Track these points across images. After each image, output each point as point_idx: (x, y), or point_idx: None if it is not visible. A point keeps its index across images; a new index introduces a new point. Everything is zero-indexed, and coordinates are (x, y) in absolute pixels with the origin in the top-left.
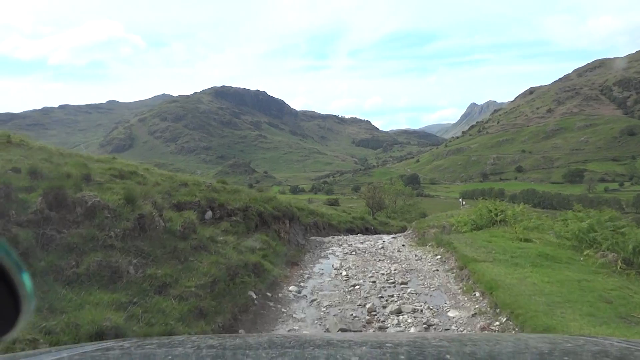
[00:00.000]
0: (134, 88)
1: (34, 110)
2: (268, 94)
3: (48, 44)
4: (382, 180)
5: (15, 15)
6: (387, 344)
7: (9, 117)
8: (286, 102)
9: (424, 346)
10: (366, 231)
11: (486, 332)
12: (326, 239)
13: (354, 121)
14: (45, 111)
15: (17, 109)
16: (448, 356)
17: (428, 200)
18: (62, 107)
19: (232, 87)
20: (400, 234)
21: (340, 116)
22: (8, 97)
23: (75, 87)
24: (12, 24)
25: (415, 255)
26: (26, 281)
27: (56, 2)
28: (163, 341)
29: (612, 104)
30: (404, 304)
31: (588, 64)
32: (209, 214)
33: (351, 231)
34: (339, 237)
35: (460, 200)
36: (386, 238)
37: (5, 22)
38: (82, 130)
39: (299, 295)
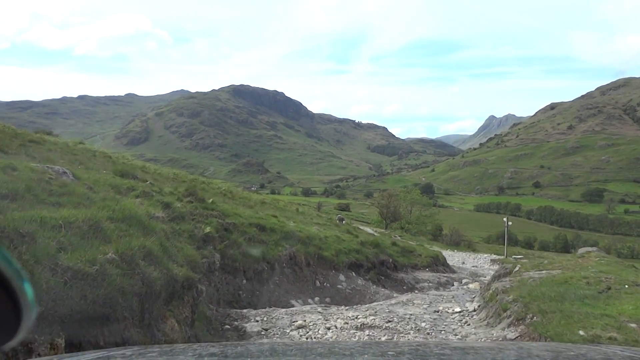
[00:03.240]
0: (153, 82)
1: (54, 100)
2: (286, 95)
3: (76, 34)
4: (396, 187)
5: (46, 3)
6: (389, 352)
7: (28, 105)
8: (303, 104)
9: (426, 354)
10: (381, 266)
11: (490, 340)
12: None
13: (371, 127)
14: (64, 101)
15: (37, 97)
16: None
17: (442, 211)
18: (81, 97)
19: (250, 86)
20: (450, 301)
21: (356, 121)
22: (29, 85)
23: (97, 79)
24: (42, 13)
25: None
26: (27, 290)
27: None
28: (165, 349)
29: (636, 125)
30: None
31: (612, 82)
32: None
33: (357, 267)
34: (316, 310)
35: (505, 220)
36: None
37: (36, 10)
38: (99, 122)
39: None
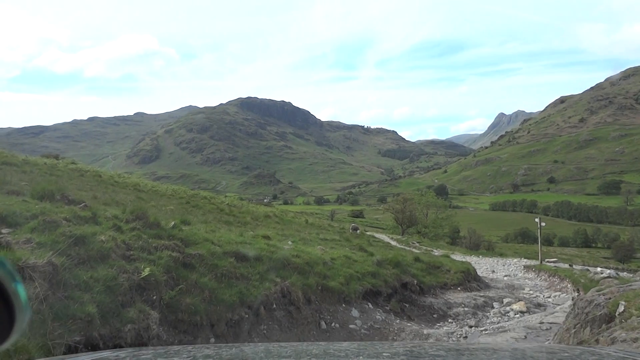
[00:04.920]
0: (162, 100)
1: (65, 123)
2: (293, 104)
3: (85, 58)
4: (409, 191)
5: (54, 28)
6: (384, 354)
7: (40, 130)
8: (311, 113)
9: (420, 355)
10: (404, 291)
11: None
12: None
13: (380, 131)
14: (75, 123)
15: (48, 122)
16: None
17: (457, 212)
18: (90, 119)
19: (257, 98)
20: None
21: (365, 126)
22: (41, 110)
23: (106, 100)
24: (51, 37)
25: None
26: (20, 291)
27: (96, 15)
28: (159, 351)
29: None
30: None
31: (621, 72)
32: None
33: (374, 296)
34: None
35: (537, 220)
36: None
37: (44, 35)
38: (110, 142)
39: None
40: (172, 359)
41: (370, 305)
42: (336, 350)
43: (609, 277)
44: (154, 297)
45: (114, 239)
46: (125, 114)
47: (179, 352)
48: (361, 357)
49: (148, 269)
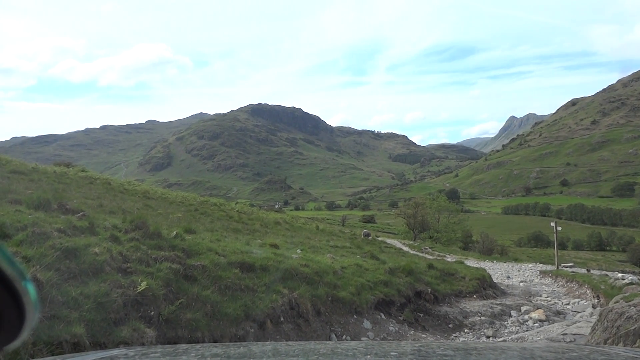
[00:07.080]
0: (173, 107)
1: (77, 132)
2: (304, 110)
3: (99, 66)
4: (421, 195)
5: (70, 38)
6: (392, 353)
7: (53, 139)
8: (322, 119)
9: (428, 355)
10: (418, 300)
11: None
12: None
13: (390, 136)
14: (88, 132)
15: (61, 130)
16: None
17: (469, 216)
18: (103, 127)
19: (267, 105)
20: None
21: (376, 131)
22: (54, 119)
23: (119, 108)
24: (67, 47)
25: None
26: (30, 290)
27: (112, 25)
28: (167, 350)
29: None
30: None
31: (633, 73)
32: None
33: (387, 306)
34: None
35: (553, 225)
36: None
37: (61, 45)
38: (122, 150)
39: None
40: (180, 357)
41: (383, 316)
42: (344, 350)
43: (631, 283)
44: (152, 313)
45: (109, 251)
46: (137, 122)
47: (187, 350)
48: (369, 357)
49: (145, 282)
